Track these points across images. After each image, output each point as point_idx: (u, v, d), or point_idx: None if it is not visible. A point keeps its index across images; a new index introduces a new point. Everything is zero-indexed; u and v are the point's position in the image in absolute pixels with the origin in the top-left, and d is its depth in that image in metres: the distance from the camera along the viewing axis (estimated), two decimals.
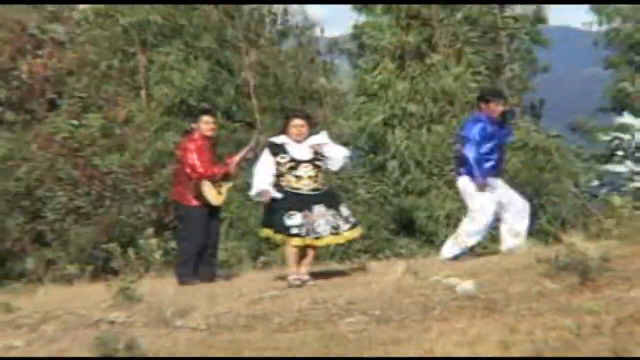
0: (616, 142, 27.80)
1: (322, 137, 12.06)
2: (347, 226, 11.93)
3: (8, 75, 28.80)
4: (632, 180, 26.70)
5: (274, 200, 11.88)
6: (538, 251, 11.68)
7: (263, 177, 11.91)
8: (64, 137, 27.31)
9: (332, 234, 11.77)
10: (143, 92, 31.97)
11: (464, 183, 13.17)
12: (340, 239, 12.03)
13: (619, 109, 30.48)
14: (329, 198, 11.82)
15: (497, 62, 33.12)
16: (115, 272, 17.47)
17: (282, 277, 13.04)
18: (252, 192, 12.32)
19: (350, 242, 12.42)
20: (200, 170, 13.36)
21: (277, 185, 11.88)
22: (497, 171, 13.17)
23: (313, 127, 12.38)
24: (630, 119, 27.36)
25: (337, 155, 12.08)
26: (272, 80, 35.30)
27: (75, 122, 27.72)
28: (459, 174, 13.35)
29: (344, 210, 12.00)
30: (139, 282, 12.42)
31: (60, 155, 26.78)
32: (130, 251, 16.11)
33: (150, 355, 9.11)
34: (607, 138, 28.20)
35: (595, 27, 36.71)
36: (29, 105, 28.85)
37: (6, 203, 26.40)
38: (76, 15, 33.00)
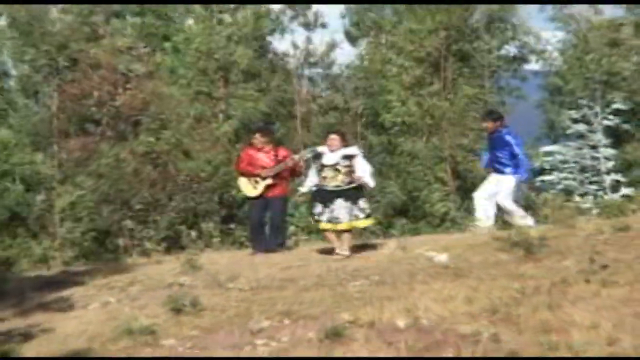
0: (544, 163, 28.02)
1: (353, 149, 12.00)
2: (362, 215, 11.84)
3: (107, 104, 28.94)
4: (559, 184, 26.84)
5: (312, 194, 11.91)
6: (494, 232, 11.67)
7: (310, 179, 11.92)
8: (144, 150, 27.43)
9: (351, 220, 11.69)
10: (221, 115, 32.14)
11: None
12: (358, 224, 11.90)
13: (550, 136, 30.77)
14: (350, 193, 11.68)
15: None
16: (182, 248, 17.48)
17: (306, 252, 13.01)
18: (302, 189, 12.40)
19: (365, 228, 12.27)
20: (237, 166, 13.28)
21: (317, 183, 11.85)
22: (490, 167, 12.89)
23: (346, 141, 12.29)
24: (551, 147, 27.70)
25: (363, 172, 11.92)
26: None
27: (152, 139, 27.79)
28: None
29: (362, 203, 11.84)
30: (201, 255, 12.43)
31: (143, 163, 26.92)
32: (194, 232, 16.18)
33: (208, 309, 9.14)
34: (537, 163, 28.26)
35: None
36: (120, 125, 28.96)
37: (107, 196, 26.55)
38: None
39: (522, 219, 12.26)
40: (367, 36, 37.89)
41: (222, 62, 32.65)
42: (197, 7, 34.46)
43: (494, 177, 12.78)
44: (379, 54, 34.77)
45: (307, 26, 36.23)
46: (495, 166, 12.78)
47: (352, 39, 38.48)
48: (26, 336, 8.94)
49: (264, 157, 13.15)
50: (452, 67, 32.08)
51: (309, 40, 36.53)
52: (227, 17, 34.29)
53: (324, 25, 36.27)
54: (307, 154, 12.83)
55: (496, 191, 12.64)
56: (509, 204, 12.54)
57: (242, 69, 33.20)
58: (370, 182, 11.98)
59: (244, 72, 33.39)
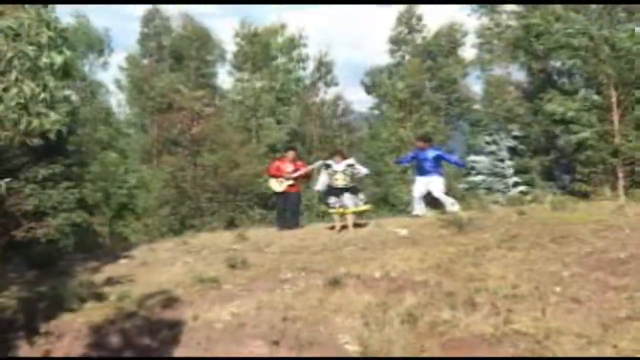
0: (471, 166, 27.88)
1: (351, 160, 12.01)
2: (361, 203, 11.82)
3: (186, 133, 28.88)
4: (480, 184, 26.83)
5: (325, 190, 11.87)
6: (439, 215, 11.61)
7: (321, 182, 11.90)
8: (209, 165, 27.41)
9: (355, 206, 11.67)
10: (254, 140, 32.09)
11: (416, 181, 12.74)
12: (359, 209, 11.84)
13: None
14: (353, 189, 11.71)
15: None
16: (235, 226, 17.48)
17: (316, 228, 12.94)
18: (316, 187, 12.40)
19: (364, 212, 12.16)
20: (270, 172, 13.18)
21: (329, 184, 11.82)
22: (421, 174, 12.63)
23: (345, 156, 12.29)
24: (475, 157, 27.79)
25: (362, 170, 11.95)
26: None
27: (213, 156, 27.72)
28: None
29: (361, 195, 11.86)
30: (248, 231, 12.41)
31: (207, 172, 26.97)
32: (243, 216, 16.21)
33: (253, 266, 9.14)
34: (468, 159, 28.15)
35: None
36: (194, 147, 28.92)
37: (186, 193, 26.61)
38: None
39: (452, 205, 12.10)
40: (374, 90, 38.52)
41: (251, 105, 32.97)
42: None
43: (423, 180, 12.47)
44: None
45: (326, 84, 36.84)
46: (425, 172, 12.49)
47: (366, 88, 39.46)
48: (132, 282, 8.97)
49: (287, 167, 13.14)
50: (421, 110, 32.24)
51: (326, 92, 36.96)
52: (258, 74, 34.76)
53: (336, 84, 36.95)
54: (318, 165, 12.80)
55: (427, 190, 12.37)
56: (442, 197, 12.33)
57: (265, 108, 33.43)
58: (366, 171, 12.08)
59: (267, 110, 33.59)
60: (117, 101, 37.85)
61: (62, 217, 22.59)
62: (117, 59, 40.39)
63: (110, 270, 9.82)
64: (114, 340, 7.27)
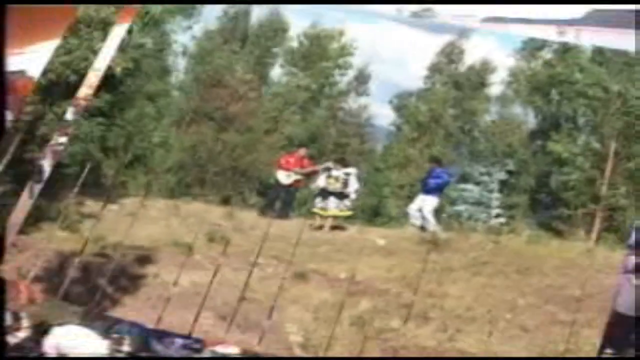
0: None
1: (351, 169, 11.99)
2: (345, 209, 11.75)
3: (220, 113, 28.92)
4: (464, 212, 26.52)
5: (318, 192, 11.84)
6: (420, 232, 11.31)
7: (317, 182, 11.88)
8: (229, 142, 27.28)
9: (336, 210, 11.59)
10: (279, 132, 31.81)
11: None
12: (339, 214, 11.77)
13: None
14: (341, 195, 11.68)
15: None
16: (230, 204, 17.23)
17: (302, 224, 12.57)
18: (313, 186, 12.37)
19: (347, 217, 12.02)
20: (280, 165, 13.05)
21: (324, 186, 11.80)
22: (424, 192, 12.44)
23: (346, 164, 12.24)
24: (464, 185, 27.47)
25: (352, 187, 11.93)
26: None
27: (237, 138, 27.53)
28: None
29: (347, 202, 11.80)
30: (239, 212, 12.19)
31: (225, 150, 26.90)
32: (240, 197, 15.87)
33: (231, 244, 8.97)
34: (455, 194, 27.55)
35: None
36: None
37: (192, 165, 26.65)
38: None
39: (434, 226, 11.91)
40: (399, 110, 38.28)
41: (286, 99, 32.96)
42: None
43: (422, 197, 12.30)
44: None
45: (357, 93, 36.57)
46: (425, 190, 12.34)
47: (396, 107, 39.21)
48: (113, 228, 8.72)
49: (295, 163, 13.03)
50: (435, 134, 31.98)
51: None
52: None
53: (368, 95, 36.53)
54: (323, 167, 12.79)
55: (423, 206, 12.22)
56: (430, 216, 12.15)
57: (298, 105, 33.41)
58: (355, 188, 11.93)
59: (298, 107, 33.53)
60: (173, 63, 38.03)
61: (79, 147, 22.61)
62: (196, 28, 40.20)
63: (97, 210, 9.70)
64: (73, 272, 7.26)
